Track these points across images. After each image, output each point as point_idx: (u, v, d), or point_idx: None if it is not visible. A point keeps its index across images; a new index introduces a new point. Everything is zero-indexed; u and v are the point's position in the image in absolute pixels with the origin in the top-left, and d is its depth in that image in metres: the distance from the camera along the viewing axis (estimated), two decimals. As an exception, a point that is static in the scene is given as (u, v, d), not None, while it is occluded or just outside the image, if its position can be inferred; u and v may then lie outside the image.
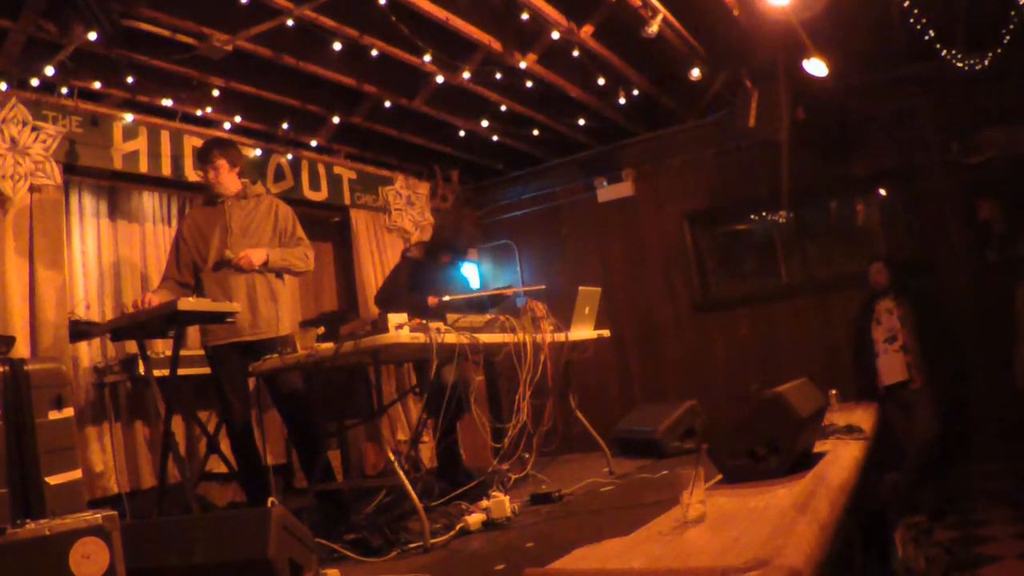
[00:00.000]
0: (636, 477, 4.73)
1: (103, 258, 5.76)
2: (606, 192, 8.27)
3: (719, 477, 3.13)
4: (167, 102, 5.66)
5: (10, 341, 4.14)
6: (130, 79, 5.30)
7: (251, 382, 4.94)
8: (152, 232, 6.07)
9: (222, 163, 4.68)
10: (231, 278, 4.57)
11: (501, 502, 3.83)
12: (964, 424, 6.32)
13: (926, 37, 5.63)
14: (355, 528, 3.71)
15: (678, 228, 7.96)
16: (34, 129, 4.95)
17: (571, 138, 7.94)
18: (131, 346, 5.13)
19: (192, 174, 5.88)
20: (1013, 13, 5.48)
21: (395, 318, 3.62)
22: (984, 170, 6.47)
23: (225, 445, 5.65)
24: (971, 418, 6.37)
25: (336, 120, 6.62)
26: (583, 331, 5.07)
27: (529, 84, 6.48)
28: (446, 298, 5.04)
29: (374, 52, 5.61)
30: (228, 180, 4.71)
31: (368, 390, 5.22)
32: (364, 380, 5.04)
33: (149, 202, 6.09)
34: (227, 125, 6.17)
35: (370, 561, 3.35)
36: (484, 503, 3.89)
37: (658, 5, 5.28)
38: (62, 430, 3.65)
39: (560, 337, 4.73)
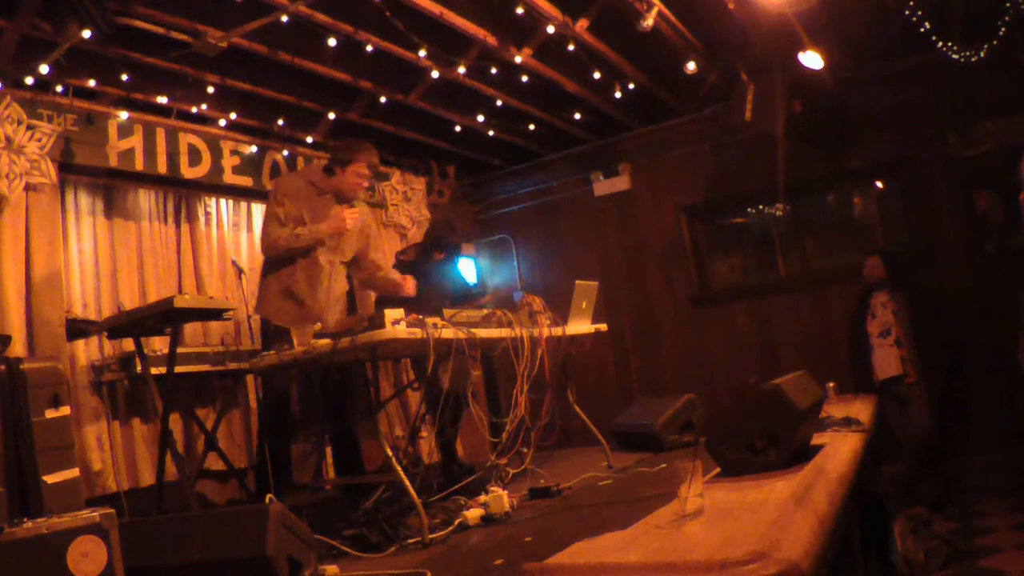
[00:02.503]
0: (634, 471, 4.73)
1: (100, 256, 5.74)
2: (603, 186, 8.27)
3: (717, 470, 3.13)
4: (162, 100, 5.64)
5: (7, 340, 4.14)
6: (125, 77, 5.29)
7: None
8: (149, 230, 6.05)
9: None
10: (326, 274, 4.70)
11: (499, 497, 3.83)
12: (962, 416, 6.33)
13: (922, 29, 5.63)
14: (354, 524, 3.71)
15: (675, 222, 7.97)
16: (29, 128, 4.94)
17: (567, 132, 7.93)
18: (128, 344, 5.13)
19: (187, 172, 5.88)
20: (1008, 4, 5.48)
21: (392, 313, 3.62)
22: (982, 162, 6.48)
23: (224, 443, 5.67)
24: (969, 410, 6.38)
25: (332, 116, 6.61)
26: (581, 325, 5.07)
27: (525, 79, 6.46)
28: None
29: (369, 48, 5.59)
30: None
31: (366, 386, 5.22)
32: (362, 376, 5.04)
33: (145, 200, 6.08)
34: (222, 122, 6.16)
35: (369, 557, 3.35)
36: (482, 498, 3.89)
37: (653, -1, 5.28)
38: (59, 429, 3.65)
39: (557, 331, 4.72)
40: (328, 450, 5.17)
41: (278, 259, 4.69)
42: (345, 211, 4.64)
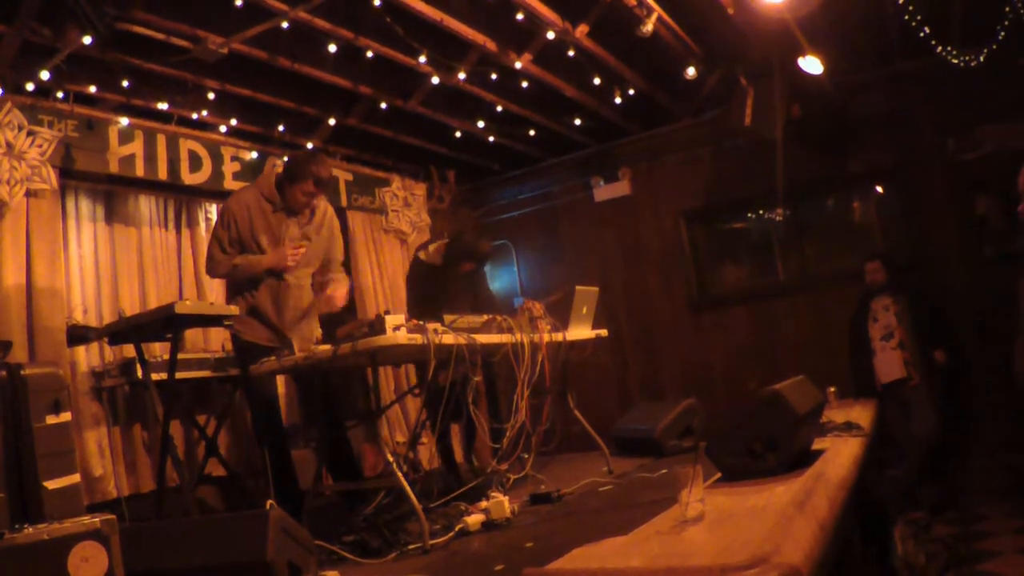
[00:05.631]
0: (635, 476, 4.73)
1: (100, 262, 5.75)
2: (603, 191, 8.27)
3: (718, 475, 3.13)
4: (162, 105, 5.65)
5: (7, 346, 4.14)
6: (125, 83, 5.31)
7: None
8: (149, 236, 6.06)
9: None
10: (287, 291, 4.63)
11: (500, 502, 3.83)
12: (963, 420, 6.33)
13: (921, 34, 5.64)
14: (354, 529, 3.71)
15: (675, 226, 7.97)
16: (30, 134, 4.95)
17: (567, 138, 7.94)
18: (129, 350, 5.13)
19: (188, 177, 5.89)
20: (1007, 9, 5.49)
21: (392, 319, 3.62)
22: (981, 166, 6.48)
23: (225, 449, 5.67)
24: (970, 414, 6.37)
25: (332, 122, 6.62)
26: (581, 331, 5.07)
27: (525, 84, 6.48)
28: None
29: (369, 53, 5.60)
30: None
31: (366, 391, 5.22)
32: (362, 381, 5.04)
33: (146, 206, 6.09)
34: (223, 128, 6.17)
35: (369, 562, 3.36)
36: (483, 503, 3.89)
37: (653, 4, 5.29)
38: (60, 434, 3.65)
39: (558, 337, 4.73)
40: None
41: (229, 279, 4.61)
42: (290, 249, 4.50)
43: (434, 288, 5.42)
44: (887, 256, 6.45)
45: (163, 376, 4.61)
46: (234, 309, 4.38)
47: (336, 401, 4.75)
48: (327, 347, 3.79)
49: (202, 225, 6.37)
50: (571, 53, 5.97)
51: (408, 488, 3.62)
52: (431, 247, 5.59)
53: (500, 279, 8.89)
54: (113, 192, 5.86)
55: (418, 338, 3.68)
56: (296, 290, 4.65)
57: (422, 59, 5.67)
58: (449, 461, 5.56)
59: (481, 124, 7.20)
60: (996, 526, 5.33)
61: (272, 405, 4.61)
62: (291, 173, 4.53)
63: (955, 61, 5.95)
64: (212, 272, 4.62)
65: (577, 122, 7.54)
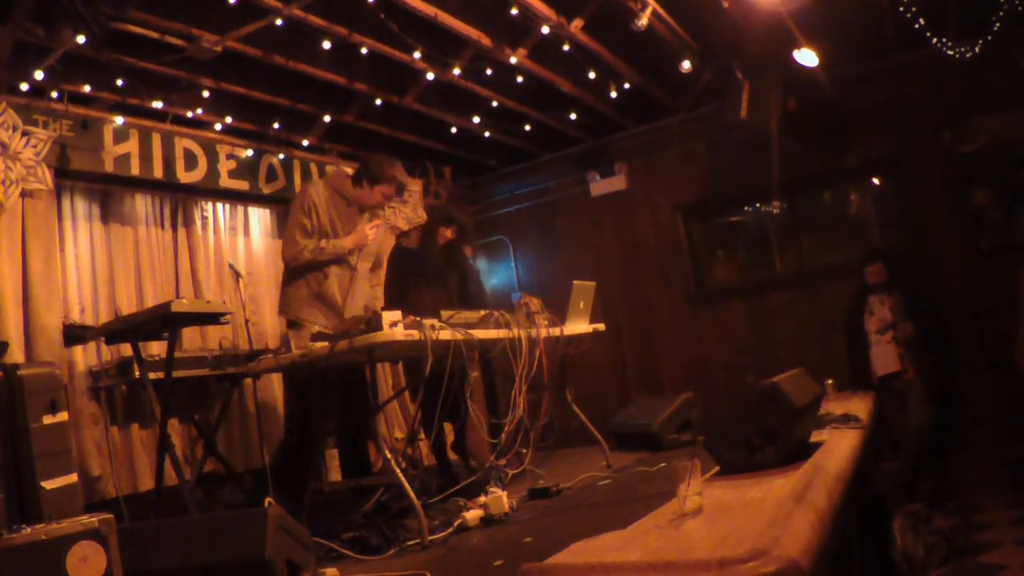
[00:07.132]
0: (633, 470, 4.74)
1: (96, 262, 5.73)
2: (599, 186, 8.26)
3: (716, 469, 3.13)
4: (157, 104, 5.63)
5: (4, 346, 4.15)
6: (120, 82, 5.29)
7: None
8: (145, 235, 6.04)
9: None
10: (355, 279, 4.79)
11: (499, 498, 3.83)
12: (960, 412, 6.33)
13: (917, 25, 5.63)
14: (353, 526, 3.71)
15: (672, 221, 7.97)
16: (24, 134, 4.94)
17: (563, 133, 7.93)
18: (126, 349, 5.12)
19: (183, 176, 5.88)
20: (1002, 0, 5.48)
21: (389, 316, 3.62)
22: (977, 158, 6.48)
23: (223, 447, 5.66)
24: (967, 406, 6.38)
25: (327, 119, 6.61)
26: (578, 325, 5.07)
27: (520, 79, 6.46)
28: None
29: (364, 50, 5.59)
30: None
31: (364, 388, 5.21)
32: (360, 378, 5.03)
33: (142, 205, 6.07)
34: (218, 126, 6.15)
35: (368, 559, 3.35)
36: (482, 499, 3.90)
37: (648, -2, 5.29)
38: (57, 434, 3.65)
39: (555, 332, 4.72)
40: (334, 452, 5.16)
41: (307, 265, 4.73)
42: (368, 226, 4.76)
43: (411, 270, 5.60)
44: (887, 255, 6.43)
45: (161, 375, 4.60)
46: (230, 307, 4.39)
47: (348, 397, 4.80)
48: (324, 344, 3.79)
49: (198, 224, 6.35)
50: (566, 48, 5.95)
51: (407, 484, 3.62)
52: (411, 235, 5.76)
53: (497, 275, 8.90)
54: (109, 191, 5.84)
55: (415, 334, 3.67)
56: (362, 280, 4.90)
57: (417, 55, 5.66)
58: (443, 460, 5.56)
59: (477, 120, 7.18)
60: (995, 518, 5.35)
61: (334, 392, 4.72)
62: (372, 175, 4.77)
63: (950, 53, 5.94)
64: (296, 257, 4.72)
65: (573, 117, 7.52)
